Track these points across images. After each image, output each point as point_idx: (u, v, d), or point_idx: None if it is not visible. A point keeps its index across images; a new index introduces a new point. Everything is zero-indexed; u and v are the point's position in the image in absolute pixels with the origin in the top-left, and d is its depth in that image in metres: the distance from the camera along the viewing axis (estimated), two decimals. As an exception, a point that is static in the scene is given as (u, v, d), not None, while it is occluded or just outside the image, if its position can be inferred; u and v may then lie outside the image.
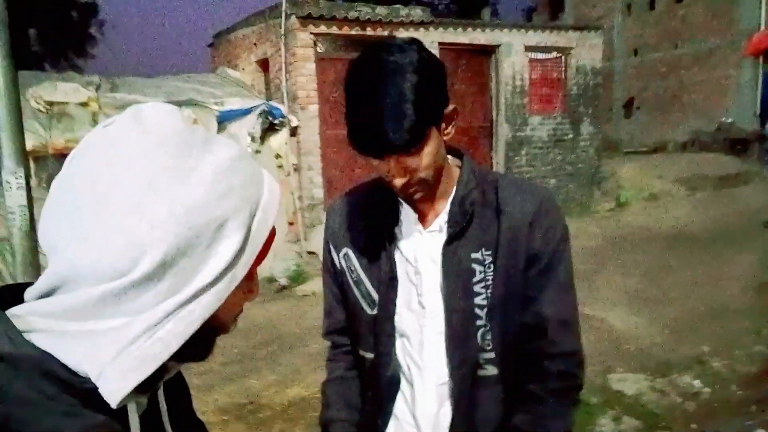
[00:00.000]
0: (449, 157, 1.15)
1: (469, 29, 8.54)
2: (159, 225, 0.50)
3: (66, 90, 5.89)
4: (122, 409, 0.58)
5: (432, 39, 7.96)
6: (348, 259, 1.21)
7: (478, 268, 1.09)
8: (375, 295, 1.17)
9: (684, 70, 14.11)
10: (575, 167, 9.77)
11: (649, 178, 10.10)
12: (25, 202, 2.68)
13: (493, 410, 1.15)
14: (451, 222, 1.10)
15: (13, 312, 0.54)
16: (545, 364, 1.12)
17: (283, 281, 6.11)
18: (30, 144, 5.51)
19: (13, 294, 0.58)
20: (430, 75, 0.98)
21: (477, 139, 9.01)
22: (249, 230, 0.57)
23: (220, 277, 0.55)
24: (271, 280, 6.25)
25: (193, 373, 3.77)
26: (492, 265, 1.09)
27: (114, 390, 0.51)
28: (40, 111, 5.83)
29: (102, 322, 0.52)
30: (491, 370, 1.12)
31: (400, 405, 1.22)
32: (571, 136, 9.72)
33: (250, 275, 0.61)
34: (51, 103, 5.81)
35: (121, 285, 0.50)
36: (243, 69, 8.96)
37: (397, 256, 1.16)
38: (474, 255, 1.09)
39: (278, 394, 3.87)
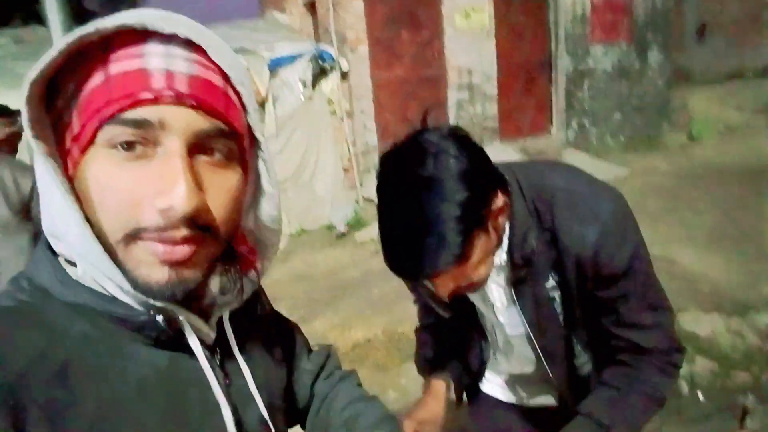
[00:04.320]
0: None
1: (526, -45, 7.97)
2: None
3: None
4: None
5: (486, -32, 7.50)
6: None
7: (556, 293, 1.05)
8: (445, 313, 1.16)
9: (767, -14, 12.75)
10: (642, 100, 9.18)
11: (725, 108, 9.39)
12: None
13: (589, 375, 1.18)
14: (514, 268, 1.03)
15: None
16: (638, 359, 1.08)
17: (342, 228, 6.17)
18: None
19: None
20: (472, 180, 0.86)
21: (535, 75, 8.59)
22: None
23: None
24: (330, 227, 6.32)
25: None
26: (562, 285, 1.05)
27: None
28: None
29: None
30: (586, 369, 1.14)
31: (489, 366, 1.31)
32: (637, 66, 9.09)
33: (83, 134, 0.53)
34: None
35: None
36: (291, 12, 8.80)
37: None
38: (547, 284, 1.04)
39: (342, 337, 3.97)
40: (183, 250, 0.53)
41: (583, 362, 1.13)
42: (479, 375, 1.33)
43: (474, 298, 1.15)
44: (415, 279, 0.93)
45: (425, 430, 1.22)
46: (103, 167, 0.52)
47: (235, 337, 0.68)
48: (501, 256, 1.04)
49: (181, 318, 0.58)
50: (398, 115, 7.58)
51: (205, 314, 0.63)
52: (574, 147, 8.38)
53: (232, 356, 0.67)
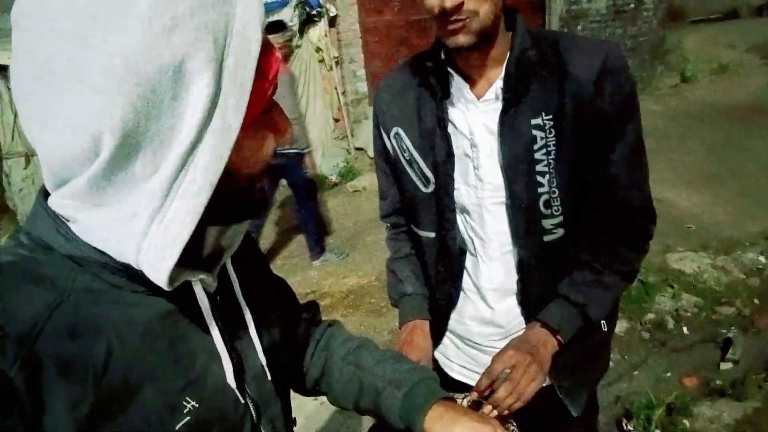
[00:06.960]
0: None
1: None
2: (102, 89, 0.43)
3: None
4: (191, 288, 0.60)
5: None
6: (399, 138, 1.18)
7: (539, 134, 1.04)
8: (429, 174, 1.15)
9: None
10: (636, 41, 9.01)
11: (719, 48, 9.26)
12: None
13: (560, 272, 1.15)
14: (508, 87, 1.03)
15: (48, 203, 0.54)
16: (616, 218, 1.12)
17: (334, 178, 6.18)
18: None
19: None
20: None
21: (527, 17, 8.38)
22: (221, 65, 0.47)
23: (204, 130, 0.47)
24: (323, 177, 6.32)
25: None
26: (553, 130, 1.03)
27: (157, 278, 0.50)
28: None
29: (111, 209, 0.50)
30: (558, 233, 1.10)
31: (465, 278, 1.24)
32: (632, 5, 8.88)
33: (262, 114, 0.54)
34: None
35: (99, 168, 0.47)
36: (275, -42, 8.49)
37: (450, 129, 1.11)
38: (534, 121, 1.03)
39: (337, 284, 4.04)
40: None
41: (554, 224, 1.09)
42: (449, 309, 1.29)
43: (458, 145, 1.11)
44: None
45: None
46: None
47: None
48: (497, 86, 1.05)
49: (192, 279, 0.58)
50: (389, 62, 7.43)
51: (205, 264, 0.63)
52: (567, 91, 8.26)
53: (234, 303, 0.68)
